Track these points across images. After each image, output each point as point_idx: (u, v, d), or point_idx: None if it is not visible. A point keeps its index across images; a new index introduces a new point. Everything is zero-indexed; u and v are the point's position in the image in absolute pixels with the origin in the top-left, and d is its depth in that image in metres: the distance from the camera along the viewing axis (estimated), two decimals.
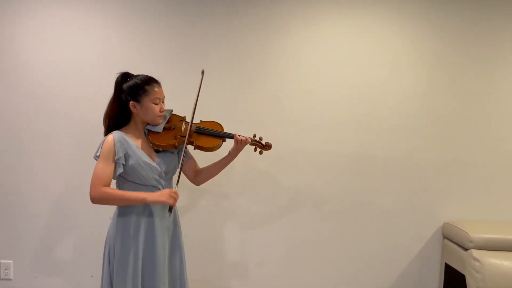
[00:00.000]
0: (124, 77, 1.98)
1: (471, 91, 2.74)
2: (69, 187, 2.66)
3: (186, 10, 2.63)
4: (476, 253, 2.44)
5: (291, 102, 2.70)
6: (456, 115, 2.75)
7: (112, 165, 1.88)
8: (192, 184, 2.21)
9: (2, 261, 2.68)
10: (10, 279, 2.69)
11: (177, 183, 1.94)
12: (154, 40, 2.63)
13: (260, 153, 2.15)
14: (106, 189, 1.85)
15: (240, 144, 2.05)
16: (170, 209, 1.90)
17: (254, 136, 2.14)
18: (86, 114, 2.63)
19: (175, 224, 2.08)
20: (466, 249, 2.51)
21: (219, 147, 2.08)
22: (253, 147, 2.14)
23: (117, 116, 1.97)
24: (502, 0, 2.71)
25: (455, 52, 2.72)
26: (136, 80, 1.94)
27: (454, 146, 2.75)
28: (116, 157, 1.89)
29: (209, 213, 2.71)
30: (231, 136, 2.07)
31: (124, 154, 1.90)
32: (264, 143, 2.14)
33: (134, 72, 2.61)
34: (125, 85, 1.95)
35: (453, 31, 2.71)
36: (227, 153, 2.13)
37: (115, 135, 1.91)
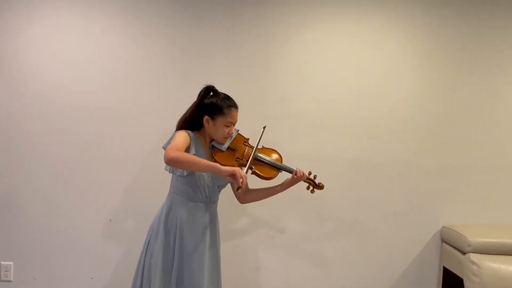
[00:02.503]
0: (208, 91, 2.10)
1: (470, 95, 2.76)
2: (70, 189, 2.67)
3: (187, 12, 2.65)
4: (474, 257, 2.45)
5: (291, 106, 2.72)
6: (454, 119, 2.77)
7: (185, 148, 1.97)
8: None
9: (2, 262, 2.69)
10: (10, 281, 2.69)
11: (246, 171, 1.98)
12: (155, 43, 2.65)
13: (312, 191, 2.21)
14: (181, 152, 1.91)
15: (296, 179, 2.13)
16: (239, 188, 1.95)
17: (310, 173, 2.20)
18: (88, 116, 2.65)
19: (215, 227, 2.17)
20: (464, 253, 2.52)
21: (275, 177, 2.15)
22: (307, 184, 2.20)
23: (192, 124, 2.11)
24: (500, 5, 2.74)
25: (454, 56, 2.74)
26: (218, 100, 2.06)
27: (452, 150, 2.77)
28: (190, 153, 2.00)
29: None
30: (290, 170, 2.15)
31: (194, 154, 2.01)
32: (317, 183, 2.21)
33: (136, 73, 2.66)
34: (207, 100, 2.08)
35: (452, 35, 2.73)
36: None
37: (190, 133, 2.05)
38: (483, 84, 2.76)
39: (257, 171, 2.11)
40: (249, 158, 2.07)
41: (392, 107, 2.75)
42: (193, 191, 2.06)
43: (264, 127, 2.19)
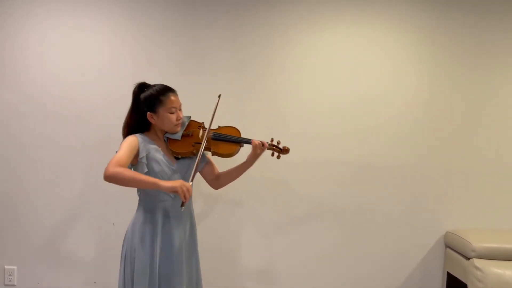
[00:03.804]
0: (141, 87, 2.01)
1: (472, 100, 2.75)
2: (73, 194, 2.68)
3: (190, 14, 2.66)
4: (478, 262, 2.44)
5: (292, 109, 2.72)
6: (458, 124, 2.76)
7: (131, 157, 1.90)
8: (206, 191, 2.23)
9: (6, 267, 2.70)
10: (14, 285, 2.70)
11: (192, 179, 1.88)
12: (157, 44, 2.67)
13: (278, 157, 2.10)
14: (121, 169, 1.79)
15: (257, 149, 2.04)
16: (183, 204, 1.86)
17: (272, 140, 2.11)
18: (91, 119, 2.66)
19: (192, 227, 2.12)
20: (468, 258, 2.51)
21: (237, 153, 2.08)
22: (271, 151, 2.11)
23: (136, 126, 2.01)
24: (502, 6, 2.73)
25: (457, 61, 2.74)
26: (151, 91, 1.97)
27: (456, 155, 2.76)
28: (140, 156, 1.93)
29: (221, 219, 2.73)
30: (248, 141, 2.06)
31: (146, 155, 1.95)
32: (281, 147, 2.10)
33: (138, 75, 2.63)
34: (142, 96, 1.98)
35: (455, 39, 2.73)
36: (245, 159, 2.10)
37: (138, 136, 1.97)
38: (486, 88, 2.75)
39: (216, 151, 2.03)
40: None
41: (395, 110, 2.74)
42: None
43: (218, 98, 2.10)
